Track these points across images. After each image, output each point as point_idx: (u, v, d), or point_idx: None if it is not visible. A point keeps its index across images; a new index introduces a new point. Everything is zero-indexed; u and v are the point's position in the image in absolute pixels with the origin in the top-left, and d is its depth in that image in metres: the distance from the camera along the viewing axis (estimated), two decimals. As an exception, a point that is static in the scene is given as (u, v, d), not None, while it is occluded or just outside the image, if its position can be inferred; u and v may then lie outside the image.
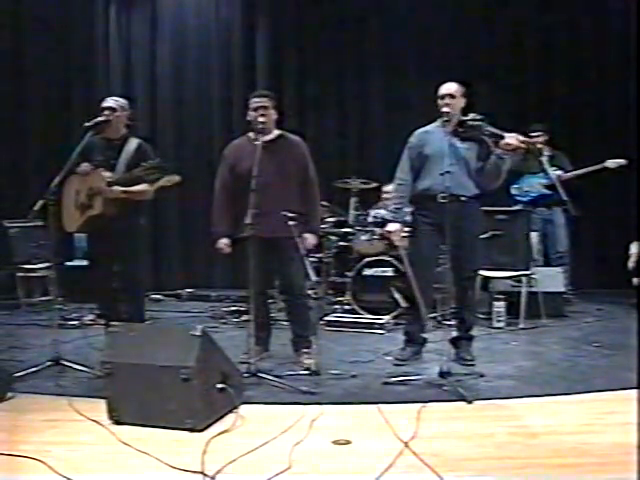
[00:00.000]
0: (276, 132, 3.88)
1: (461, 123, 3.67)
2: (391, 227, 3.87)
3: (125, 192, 3.94)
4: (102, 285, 4.20)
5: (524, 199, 5.84)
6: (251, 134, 3.87)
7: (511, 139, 3.52)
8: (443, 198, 3.48)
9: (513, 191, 5.86)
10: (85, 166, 3.98)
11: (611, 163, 5.50)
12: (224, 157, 3.97)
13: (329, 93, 7.23)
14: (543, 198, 5.78)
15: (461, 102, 3.77)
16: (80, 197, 4.05)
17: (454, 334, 3.87)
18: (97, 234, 4.13)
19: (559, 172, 5.69)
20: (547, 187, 5.73)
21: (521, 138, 3.56)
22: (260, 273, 3.56)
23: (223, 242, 3.87)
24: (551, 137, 5.87)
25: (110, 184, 3.90)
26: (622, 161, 5.49)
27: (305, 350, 3.85)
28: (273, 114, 3.83)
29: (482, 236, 4.18)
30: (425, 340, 3.96)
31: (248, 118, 3.84)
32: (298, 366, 3.72)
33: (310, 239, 3.87)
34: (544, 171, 5.74)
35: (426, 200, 3.76)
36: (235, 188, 3.81)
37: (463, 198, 3.68)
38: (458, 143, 3.69)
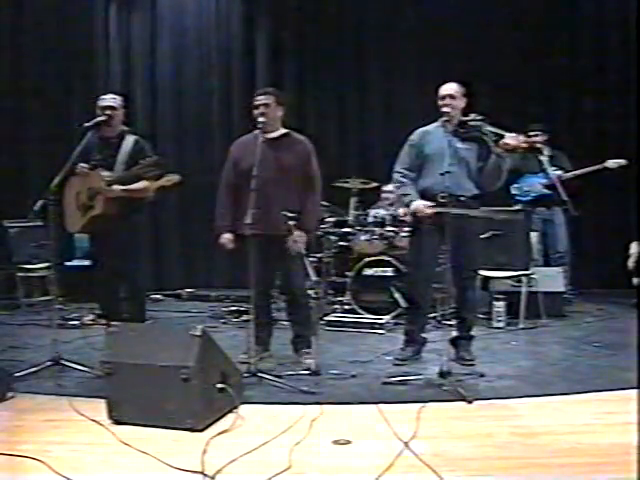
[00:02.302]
0: (282, 130, 3.87)
1: (461, 123, 3.67)
2: (414, 206, 3.72)
3: (125, 190, 3.94)
4: (103, 285, 4.21)
5: (524, 199, 5.84)
6: (257, 131, 3.87)
7: (511, 139, 3.52)
8: (443, 198, 3.49)
9: (513, 191, 5.86)
10: (83, 166, 3.98)
11: (611, 163, 5.50)
12: (229, 153, 3.98)
13: (329, 93, 7.23)
14: (543, 198, 5.78)
15: (461, 102, 3.77)
16: (81, 198, 4.05)
17: (454, 334, 3.87)
18: (100, 234, 4.13)
19: (559, 172, 5.69)
20: (547, 187, 5.73)
21: (521, 138, 3.56)
22: (261, 272, 3.55)
23: (226, 237, 3.85)
24: (551, 137, 5.87)
25: (110, 183, 3.90)
26: (622, 161, 5.49)
27: (305, 350, 3.85)
28: (277, 111, 3.82)
29: (482, 236, 4.19)
30: (425, 340, 3.96)
31: (253, 116, 3.84)
32: (298, 366, 3.72)
33: (300, 237, 3.69)
34: (544, 171, 5.74)
35: (426, 200, 3.76)
36: (238, 184, 3.81)
37: (463, 198, 3.68)
38: (458, 143, 3.69)
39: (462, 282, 3.78)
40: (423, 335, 3.94)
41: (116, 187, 3.91)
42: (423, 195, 3.79)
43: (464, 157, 3.71)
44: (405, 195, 3.83)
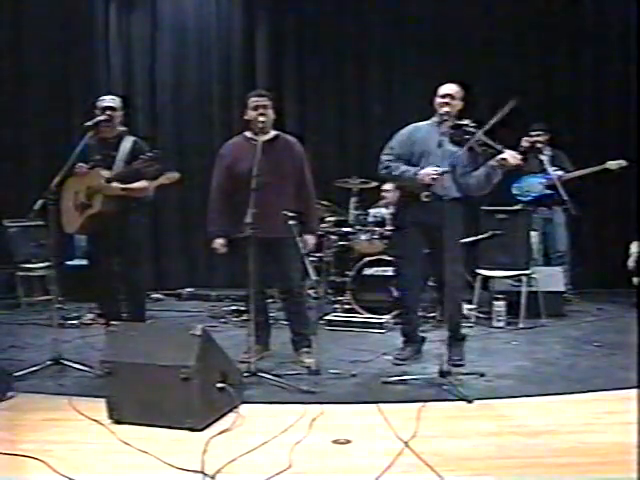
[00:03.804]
0: (273, 132, 3.88)
1: (456, 126, 3.59)
2: (423, 173, 3.57)
3: (124, 189, 3.94)
4: (102, 284, 4.20)
5: (524, 199, 5.83)
6: (248, 133, 3.88)
7: (510, 157, 3.45)
8: (426, 197, 3.49)
9: (514, 191, 5.86)
10: (81, 166, 3.98)
11: (612, 164, 5.50)
12: (220, 156, 3.96)
13: (329, 93, 7.22)
14: (544, 198, 5.78)
15: (459, 104, 3.74)
16: (79, 197, 4.05)
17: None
18: (97, 234, 4.13)
19: (560, 172, 5.69)
20: (548, 187, 5.73)
21: (519, 157, 3.50)
22: (259, 273, 3.55)
23: (219, 242, 3.87)
24: (552, 137, 5.87)
25: (109, 180, 3.90)
26: (623, 162, 5.49)
27: (305, 349, 3.85)
28: (271, 114, 3.84)
29: (482, 236, 4.18)
30: (424, 338, 3.95)
31: (246, 117, 3.84)
32: (299, 365, 3.72)
33: (310, 239, 3.88)
34: (544, 171, 5.74)
35: (410, 198, 3.74)
36: (232, 187, 3.81)
37: (445, 198, 3.57)
38: (448, 145, 3.56)
39: (451, 281, 3.62)
40: (421, 334, 3.93)
41: (115, 185, 3.90)
42: (409, 193, 3.76)
43: (452, 159, 3.61)
44: (404, 172, 3.70)
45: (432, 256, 3.56)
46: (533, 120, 5.88)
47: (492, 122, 3.40)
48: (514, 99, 3.35)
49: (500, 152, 3.49)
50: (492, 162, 3.54)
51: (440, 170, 3.52)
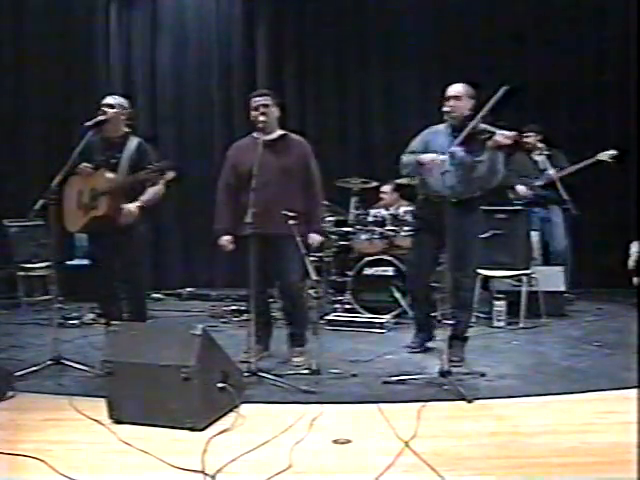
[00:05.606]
0: (279, 132, 3.89)
1: (465, 126, 3.57)
2: (423, 157, 3.66)
3: (142, 203, 3.92)
4: (103, 284, 4.20)
5: (521, 201, 5.82)
6: (255, 133, 3.88)
7: (500, 137, 3.44)
8: (438, 198, 3.49)
9: (510, 195, 5.86)
10: (85, 166, 3.97)
11: (604, 155, 5.48)
12: (227, 157, 4.00)
13: (329, 93, 7.23)
14: (542, 198, 5.78)
15: (468, 104, 3.71)
16: (83, 197, 4.04)
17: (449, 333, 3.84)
18: (98, 233, 4.12)
19: (552, 171, 5.67)
20: (545, 187, 5.72)
21: (507, 134, 3.44)
22: (260, 272, 3.55)
23: (225, 239, 3.88)
24: (545, 136, 5.86)
25: (112, 190, 3.87)
26: (614, 152, 5.46)
27: (297, 348, 3.87)
28: (275, 112, 3.84)
29: (482, 236, 4.17)
30: (434, 326, 4.03)
31: (251, 118, 3.85)
32: (289, 363, 3.75)
33: (316, 238, 3.88)
34: (541, 171, 5.73)
35: (425, 200, 3.76)
36: (237, 187, 3.83)
37: (454, 200, 3.57)
38: (455, 146, 3.59)
39: (456, 283, 3.69)
40: (432, 322, 4.02)
41: (133, 205, 3.88)
42: (423, 194, 3.79)
43: (461, 158, 3.64)
44: (410, 163, 3.77)
45: (449, 255, 3.54)
46: (532, 120, 5.88)
47: (486, 109, 3.41)
48: (507, 85, 3.34)
49: (494, 134, 3.48)
50: (488, 147, 3.54)
51: (441, 157, 3.52)
